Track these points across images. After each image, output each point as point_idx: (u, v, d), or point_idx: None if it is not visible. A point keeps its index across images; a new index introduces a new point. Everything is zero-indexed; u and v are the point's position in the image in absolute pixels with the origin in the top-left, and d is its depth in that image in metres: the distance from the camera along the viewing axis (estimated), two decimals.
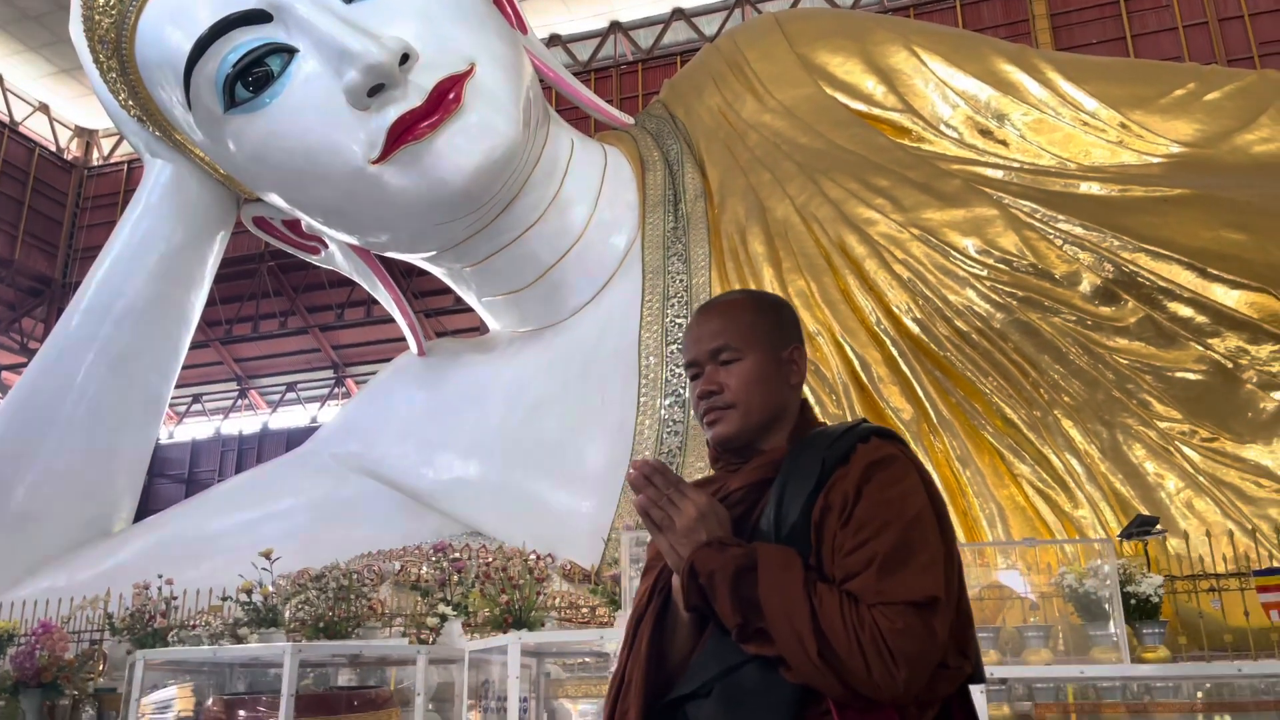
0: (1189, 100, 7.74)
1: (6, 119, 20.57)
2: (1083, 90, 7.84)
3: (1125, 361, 6.01)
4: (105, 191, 21.23)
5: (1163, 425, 5.79)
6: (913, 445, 6.36)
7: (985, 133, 7.84)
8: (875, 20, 9.36)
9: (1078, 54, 8.75)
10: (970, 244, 6.51)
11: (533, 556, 4.39)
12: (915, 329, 6.38)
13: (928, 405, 6.19)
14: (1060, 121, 7.78)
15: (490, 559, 5.21)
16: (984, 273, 6.38)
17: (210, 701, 4.36)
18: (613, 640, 3.29)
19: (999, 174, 7.21)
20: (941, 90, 8.05)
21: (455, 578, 4.51)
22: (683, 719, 1.59)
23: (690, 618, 1.63)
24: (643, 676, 1.62)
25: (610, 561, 6.05)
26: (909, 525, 1.54)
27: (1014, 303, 6.25)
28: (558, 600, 5.45)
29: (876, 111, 8.07)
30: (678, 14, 18.18)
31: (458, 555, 5.32)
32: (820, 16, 10.23)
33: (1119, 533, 4.88)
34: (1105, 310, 6.17)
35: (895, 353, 6.36)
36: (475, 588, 4.39)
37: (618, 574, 4.27)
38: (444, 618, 4.24)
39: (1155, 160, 7.43)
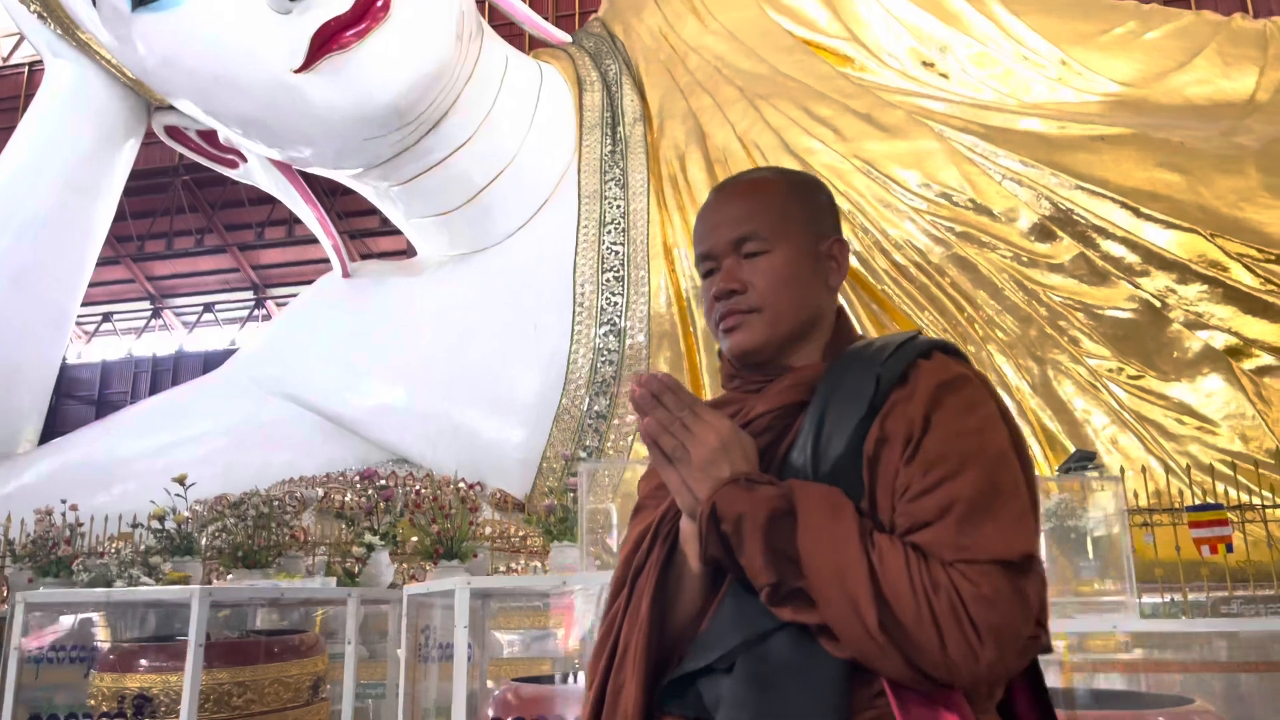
0: (1128, 39, 7.75)
1: None
2: (1025, 24, 7.79)
3: (1058, 299, 6.08)
4: (5, 95, 20.00)
5: (1092, 362, 5.88)
6: None
7: (928, 64, 7.75)
8: None
9: None
10: (912, 177, 6.46)
11: (464, 485, 4.27)
12: (854, 261, 6.34)
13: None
14: (1001, 56, 7.73)
15: (420, 487, 5.06)
16: (924, 206, 6.35)
17: (108, 648, 4.12)
18: (578, 584, 3.11)
19: (941, 107, 7.15)
20: (886, 20, 7.92)
21: (382, 506, 4.36)
22: (695, 697, 1.28)
23: (702, 572, 1.32)
24: (645, 644, 1.30)
25: (545, 491, 5.98)
26: (994, 464, 1.23)
27: (952, 237, 6.25)
28: (488, 530, 5.35)
29: (819, 38, 7.92)
30: None
31: (385, 483, 5.16)
32: None
33: (1057, 468, 4.96)
34: (1041, 247, 6.21)
35: None
36: (404, 516, 4.25)
37: (552, 504, 4.18)
38: (370, 547, 4.10)
39: (1093, 98, 7.45)
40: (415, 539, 4.04)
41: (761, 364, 1.43)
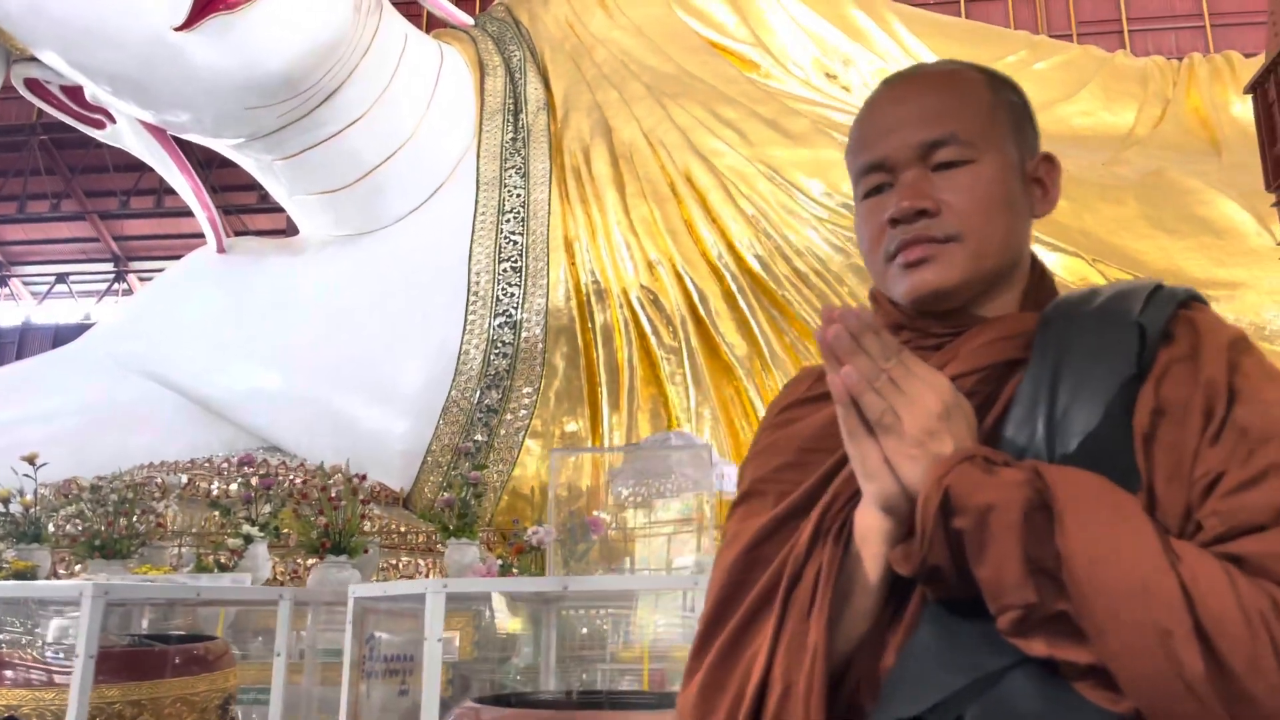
0: (1019, 67, 8.03)
1: None
2: (925, 45, 7.98)
3: None
4: None
5: None
6: (744, 381, 6.46)
7: (831, 76, 7.85)
8: None
9: (920, 9, 8.95)
10: (815, 185, 6.51)
11: (355, 477, 4.02)
12: (755, 265, 6.34)
13: (762, 342, 6.19)
14: None
15: (306, 476, 4.75)
16: (825, 215, 6.40)
17: None
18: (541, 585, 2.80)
19: (844, 118, 7.24)
20: (792, 28, 7.99)
21: (263, 495, 4.06)
22: None
23: (878, 581, 0.96)
24: (821, 685, 0.92)
25: (443, 486, 5.76)
26: None
27: (852, 247, 6.31)
28: (370, 524, 5.08)
29: (726, 41, 7.92)
30: None
31: (267, 471, 4.82)
32: None
33: None
34: None
35: (734, 288, 6.31)
36: (287, 507, 3.97)
37: (451, 498, 3.96)
38: (249, 539, 3.79)
39: None
40: (298, 532, 3.76)
41: (949, 312, 1.07)
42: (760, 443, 1.11)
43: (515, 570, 2.98)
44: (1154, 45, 12.36)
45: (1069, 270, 6.12)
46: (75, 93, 7.50)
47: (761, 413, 6.28)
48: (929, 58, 8.11)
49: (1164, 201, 6.43)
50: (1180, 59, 8.47)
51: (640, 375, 6.24)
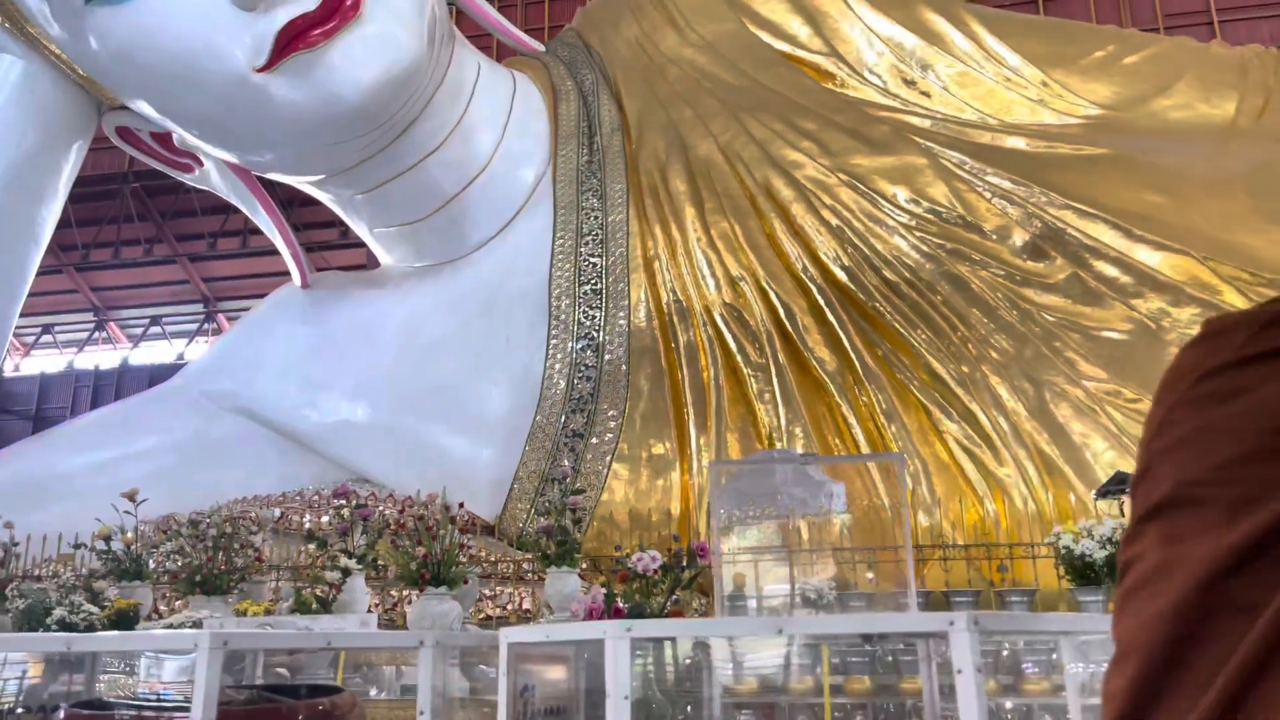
0: (1108, 62, 7.73)
1: None
2: (1006, 45, 7.74)
3: (1053, 319, 5.96)
4: None
5: (1089, 385, 5.76)
6: (836, 398, 6.27)
7: (909, 82, 7.66)
8: None
9: (999, 10, 8.71)
10: (899, 192, 6.32)
11: (452, 505, 3.97)
12: (843, 277, 6.17)
13: (853, 356, 6.01)
14: (983, 76, 7.67)
15: (403, 507, 4.72)
16: (913, 222, 6.22)
17: (63, 714, 3.16)
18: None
19: (926, 123, 7.05)
20: (867, 36, 7.83)
21: (360, 527, 4.03)
22: None
23: None
24: None
25: (531, 513, 5.69)
26: None
27: (943, 254, 6.11)
28: (471, 554, 5.00)
29: (800, 53, 7.79)
30: None
31: (363, 501, 4.81)
32: None
33: (1094, 492, 4.79)
34: (1034, 266, 6.10)
35: (821, 301, 6.15)
36: (384, 538, 3.91)
37: (549, 525, 3.86)
38: (346, 571, 3.75)
39: (1074, 120, 7.41)
40: (397, 563, 3.69)
41: None
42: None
43: (620, 601, 2.86)
44: (1247, 35, 11.81)
45: (1178, 269, 5.83)
46: (164, 139, 7.71)
47: (857, 430, 6.08)
48: (1011, 59, 7.86)
49: (1276, 193, 6.08)
50: (1278, 47, 8.08)
51: (727, 394, 6.10)
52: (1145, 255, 5.96)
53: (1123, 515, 3.35)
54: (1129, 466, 5.41)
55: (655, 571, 2.94)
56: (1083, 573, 3.99)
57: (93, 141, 8.41)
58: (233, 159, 7.42)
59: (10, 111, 7.79)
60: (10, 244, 7.96)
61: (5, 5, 7.15)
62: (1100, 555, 3.66)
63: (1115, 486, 4.20)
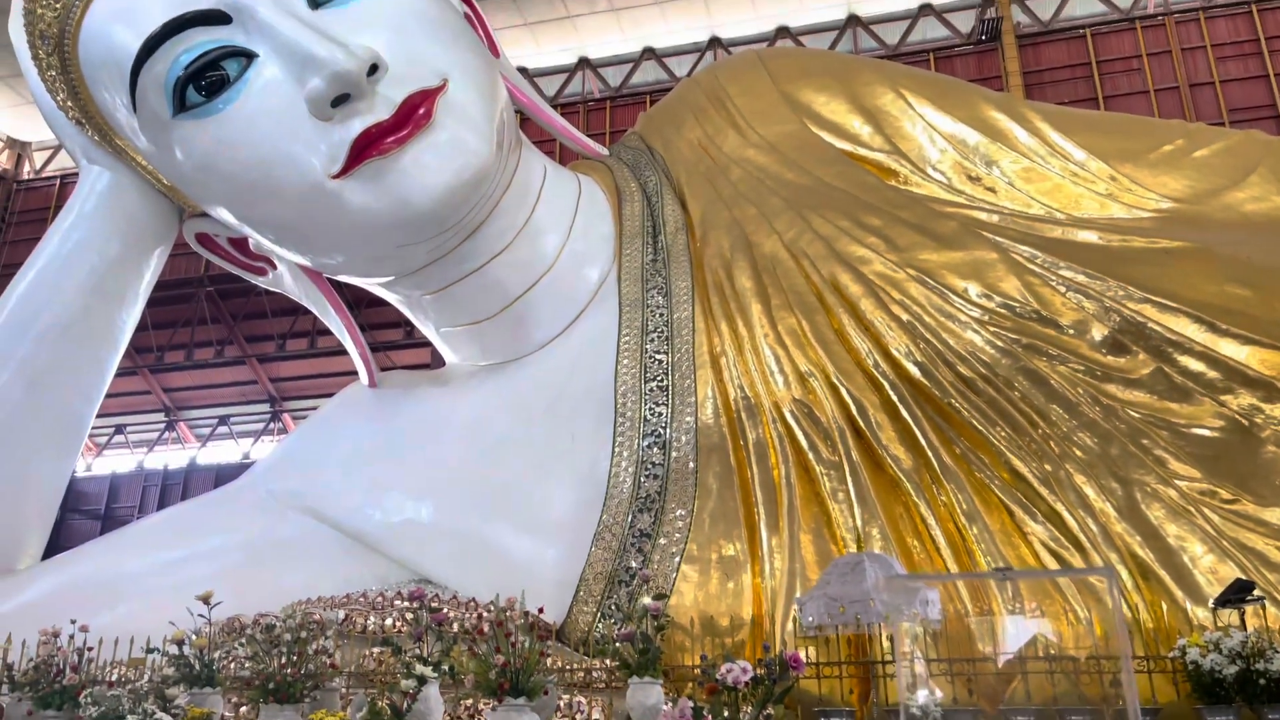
0: (1177, 156, 7.67)
1: None
2: (1071, 141, 7.73)
3: (1138, 415, 5.75)
4: (35, 206, 20.31)
5: (1182, 484, 5.51)
6: (913, 497, 6.08)
7: (974, 178, 7.66)
8: (860, 61, 9.24)
9: (1061, 107, 8.72)
10: (971, 287, 6.23)
11: (535, 610, 3.84)
12: (916, 372, 6.05)
13: (930, 454, 5.84)
14: (1049, 171, 7.64)
15: (481, 612, 4.60)
16: (986, 317, 6.11)
17: None
18: None
19: (993, 218, 7.01)
20: (929, 133, 7.88)
21: (434, 632, 3.92)
22: None
23: None
24: None
25: (603, 616, 5.51)
26: None
27: (1019, 349, 5.97)
28: (552, 662, 4.83)
29: (863, 151, 7.85)
30: (648, 53, 18.12)
31: (438, 606, 4.70)
32: (804, 55, 10.09)
33: (1212, 601, 4.53)
34: (1115, 361, 5.93)
35: (894, 397, 6.01)
36: (461, 645, 3.79)
37: (630, 632, 3.72)
38: (422, 679, 3.61)
39: (1145, 214, 7.32)
40: (475, 672, 3.55)
41: None
42: None
43: (708, 715, 2.69)
44: None
45: (1268, 364, 5.62)
46: (241, 243, 7.95)
47: (936, 531, 5.86)
48: (1077, 153, 7.82)
49: None
50: None
51: (799, 493, 5.94)
52: (1232, 349, 5.77)
53: (1244, 626, 3.13)
54: (1230, 572, 5.12)
55: (746, 684, 2.78)
56: (1211, 690, 3.72)
57: (172, 247, 8.71)
58: (306, 262, 7.59)
59: (97, 220, 8.11)
60: (91, 348, 8.19)
61: (95, 119, 7.50)
62: (1230, 671, 3.39)
63: (1236, 595, 3.94)
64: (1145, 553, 5.34)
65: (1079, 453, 5.73)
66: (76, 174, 8.46)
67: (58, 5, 6.93)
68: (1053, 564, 5.46)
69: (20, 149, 21.55)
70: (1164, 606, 5.20)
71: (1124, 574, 5.30)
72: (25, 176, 21.20)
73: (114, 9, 6.70)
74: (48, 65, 7.26)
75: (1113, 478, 5.61)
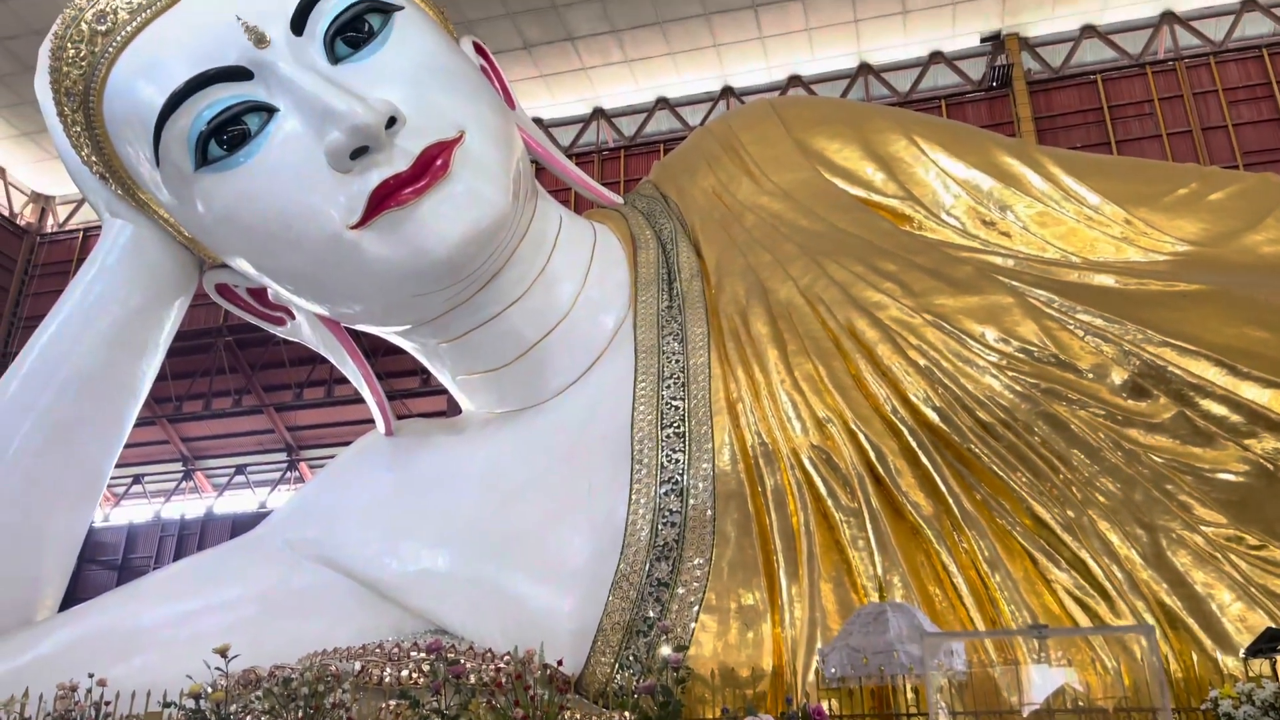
0: (1192, 199, 7.67)
1: None
2: (1085, 185, 7.74)
3: (1161, 460, 5.69)
4: (58, 259, 20.61)
5: (1208, 530, 5.43)
6: (934, 544, 6.01)
7: (988, 223, 7.67)
8: (873, 109, 9.32)
9: (1074, 151, 8.76)
10: (988, 331, 6.21)
11: (554, 663, 3.80)
12: (935, 418, 6.01)
13: (950, 500, 5.78)
14: (1064, 215, 7.65)
15: (499, 664, 4.56)
16: (1004, 362, 6.07)
17: None
18: None
19: (1009, 263, 7.00)
20: (943, 179, 7.91)
21: (453, 684, 3.88)
22: None
23: None
24: None
25: (621, 668, 5.44)
26: None
27: (1038, 394, 5.93)
28: (571, 715, 4.77)
29: (876, 198, 7.89)
30: (661, 102, 18.38)
31: (457, 658, 4.67)
32: (817, 103, 10.19)
33: (1244, 650, 4.45)
34: (1136, 405, 5.88)
35: (913, 443, 5.96)
36: (480, 698, 3.75)
37: (652, 684, 3.68)
38: None
39: (1162, 257, 7.30)
40: None
41: None
42: None
43: None
44: None
45: None
46: (260, 294, 8.01)
47: (958, 579, 5.79)
48: (1091, 197, 7.83)
49: None
50: None
51: (819, 541, 5.88)
52: (1254, 393, 5.71)
53: (1275, 675, 3.07)
54: (1259, 620, 5.02)
55: None
56: None
57: (192, 298, 8.80)
58: (324, 311, 7.65)
59: (120, 272, 8.21)
60: (112, 399, 8.24)
61: (119, 173, 7.62)
62: None
63: (1267, 644, 3.87)
64: (1173, 600, 5.24)
65: (1102, 498, 5.66)
66: (98, 227, 8.59)
67: (83, 63, 7.07)
68: (1078, 612, 5.37)
69: (44, 203, 21.92)
70: (1193, 656, 5.10)
71: (1151, 621, 5.21)
72: (49, 230, 21.54)
73: (138, 66, 6.83)
74: (72, 121, 7.39)
75: (1137, 524, 5.54)
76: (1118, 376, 6.00)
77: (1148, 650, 3.64)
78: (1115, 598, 5.37)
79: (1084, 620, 5.32)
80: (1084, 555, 5.50)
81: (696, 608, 5.89)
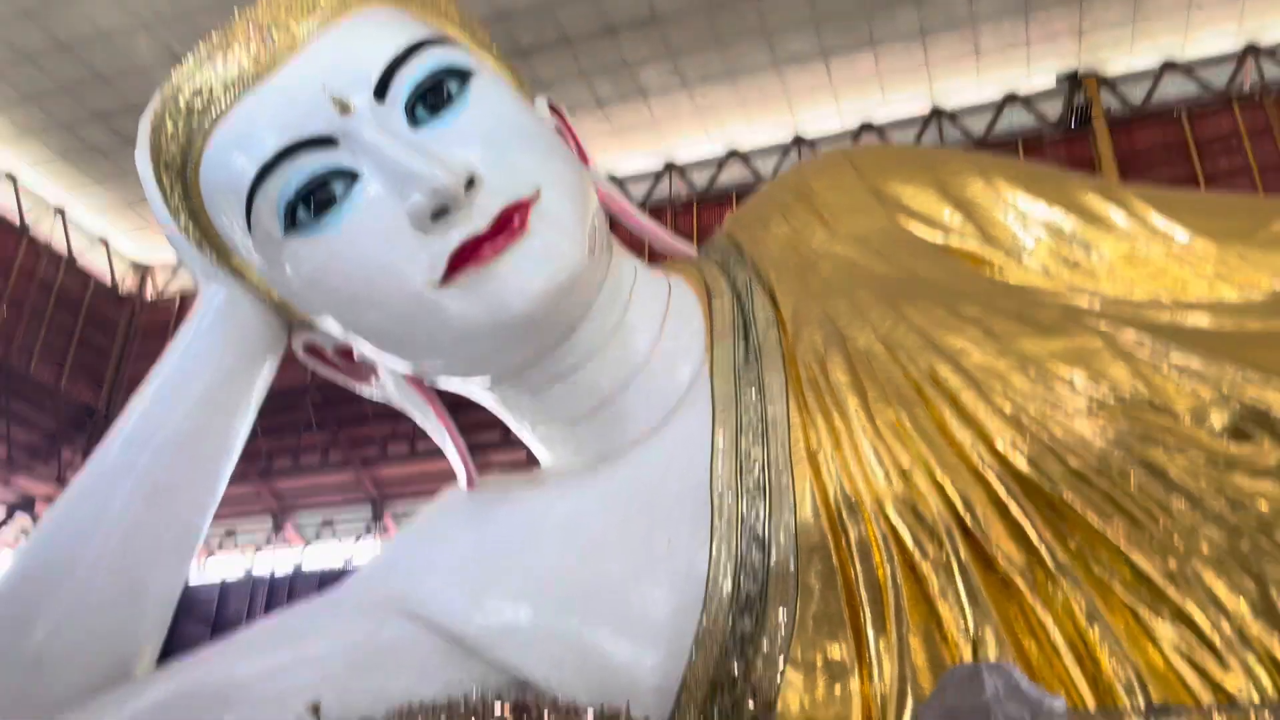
0: None
1: (65, 252, 21.10)
2: (1174, 222, 7.49)
3: (1268, 507, 5.43)
4: (157, 323, 21.52)
5: None
6: (1028, 597, 5.82)
7: (1072, 264, 7.48)
8: (948, 152, 9.22)
9: (1159, 188, 8.54)
10: (1076, 376, 6.03)
11: (641, 718, 3.79)
12: (1024, 465, 5.82)
13: (1043, 551, 5.57)
14: (1152, 254, 7.42)
15: None
16: (1094, 407, 5.87)
17: None
18: None
19: (1095, 304, 6.82)
20: (1022, 221, 7.75)
21: None
22: None
23: None
24: None
25: None
26: None
27: (1132, 440, 5.72)
28: None
29: (954, 242, 7.75)
30: (733, 154, 18.54)
31: (541, 711, 4.67)
32: (890, 149, 10.18)
33: None
34: (1239, 450, 5.63)
35: (1003, 491, 5.79)
36: None
37: None
38: None
39: (1259, 296, 7.03)
40: None
41: None
42: None
43: None
44: None
45: None
46: (347, 353, 8.22)
47: (1055, 633, 5.59)
48: (1180, 235, 7.58)
49: None
50: None
51: (906, 594, 5.71)
52: None
53: None
54: None
55: None
56: None
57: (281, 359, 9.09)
58: (406, 369, 7.81)
59: (214, 335, 8.51)
60: (207, 458, 8.49)
61: (214, 240, 7.92)
62: None
63: None
64: None
65: (1205, 547, 5.40)
66: (194, 293, 8.94)
67: (181, 138, 7.42)
68: (1184, 667, 5.10)
69: (144, 271, 22.99)
70: None
71: (1264, 678, 4.92)
72: (148, 297, 22.57)
73: (232, 138, 7.15)
74: (171, 192, 7.74)
75: (1245, 573, 5.27)
76: (1217, 420, 5.77)
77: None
78: (1223, 651, 5.10)
79: (1191, 676, 5.07)
80: (1189, 607, 5.24)
81: (782, 662, 5.78)
